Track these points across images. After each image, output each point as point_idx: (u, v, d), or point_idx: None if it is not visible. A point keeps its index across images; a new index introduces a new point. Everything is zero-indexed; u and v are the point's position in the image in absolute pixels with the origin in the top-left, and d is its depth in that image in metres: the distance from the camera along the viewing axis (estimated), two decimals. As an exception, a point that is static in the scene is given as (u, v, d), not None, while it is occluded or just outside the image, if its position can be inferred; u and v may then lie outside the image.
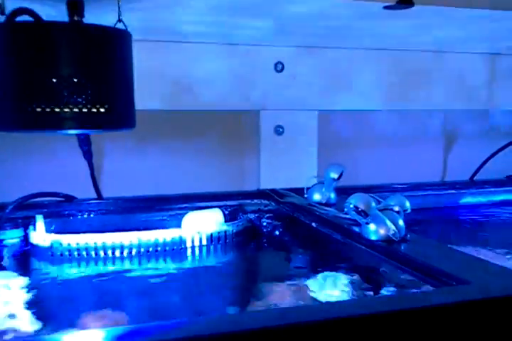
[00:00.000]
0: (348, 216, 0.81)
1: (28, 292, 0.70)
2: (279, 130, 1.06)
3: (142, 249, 0.84)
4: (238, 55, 1.04)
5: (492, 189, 1.14)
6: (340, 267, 0.72)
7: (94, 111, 0.55)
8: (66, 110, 0.54)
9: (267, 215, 0.96)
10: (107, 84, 0.55)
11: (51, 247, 0.83)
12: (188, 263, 0.85)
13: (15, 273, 0.78)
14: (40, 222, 0.89)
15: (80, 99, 0.55)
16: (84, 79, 0.54)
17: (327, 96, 1.10)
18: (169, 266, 0.84)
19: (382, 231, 0.67)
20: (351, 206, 0.67)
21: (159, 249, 0.85)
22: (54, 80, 0.54)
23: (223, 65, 1.05)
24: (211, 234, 0.88)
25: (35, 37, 0.53)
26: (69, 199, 1.00)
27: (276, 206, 1.00)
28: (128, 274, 0.80)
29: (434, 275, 0.55)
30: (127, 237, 0.83)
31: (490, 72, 1.21)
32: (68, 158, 1.08)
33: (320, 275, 0.69)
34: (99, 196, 1.02)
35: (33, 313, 0.63)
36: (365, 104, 1.13)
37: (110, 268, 0.82)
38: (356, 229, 0.73)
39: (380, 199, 0.77)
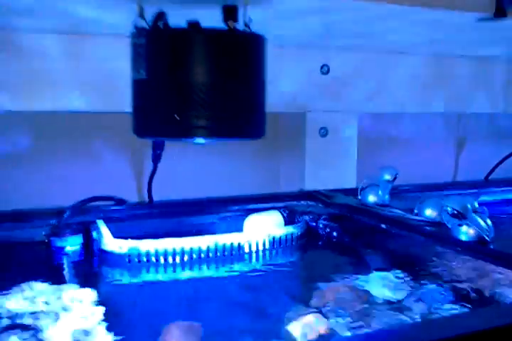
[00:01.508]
0: (418, 217, 0.85)
1: (102, 304, 0.67)
2: (323, 132, 1.09)
3: (218, 254, 0.85)
4: (286, 57, 1.06)
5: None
6: (429, 267, 0.76)
7: (231, 121, 0.56)
8: (207, 120, 0.55)
9: (323, 217, 0.99)
10: (248, 92, 0.56)
11: (128, 254, 0.82)
12: (259, 265, 0.87)
13: (84, 285, 0.75)
14: (105, 228, 0.87)
15: (220, 108, 0.56)
16: (229, 88, 0.55)
17: (368, 99, 1.15)
18: (243, 269, 0.86)
19: (472, 232, 0.72)
20: (449, 209, 0.72)
21: (226, 253, 0.86)
22: (202, 89, 0.54)
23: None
24: (279, 237, 0.90)
25: (190, 44, 0.53)
26: (121, 203, 0.99)
27: (327, 207, 1.03)
28: (205, 278, 0.81)
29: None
30: (202, 241, 0.84)
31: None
32: (111, 162, 1.06)
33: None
34: (151, 200, 1.01)
35: (112, 327, 0.61)
36: (400, 107, 1.18)
37: (187, 273, 0.83)
38: (431, 229, 0.78)
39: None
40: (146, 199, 1.08)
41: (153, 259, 0.82)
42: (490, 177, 1.31)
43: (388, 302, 0.69)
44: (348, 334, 0.59)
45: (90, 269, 0.85)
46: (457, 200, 0.73)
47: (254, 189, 1.17)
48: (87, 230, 0.92)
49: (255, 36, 0.54)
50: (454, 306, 0.67)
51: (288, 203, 1.08)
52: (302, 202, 1.08)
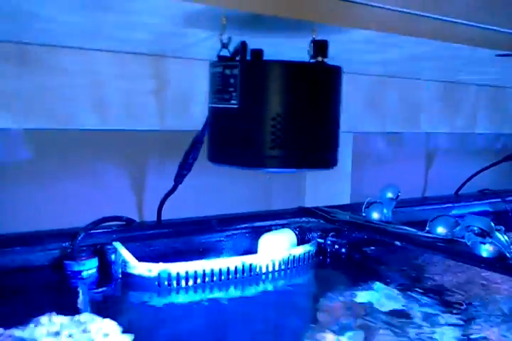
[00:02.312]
0: (430, 234, 0.92)
1: (130, 332, 0.65)
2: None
3: (245, 274, 0.86)
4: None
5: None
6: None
7: (307, 152, 0.58)
8: (283, 150, 0.57)
9: (331, 233, 1.03)
10: (327, 124, 0.59)
11: (158, 277, 0.80)
12: (281, 284, 0.89)
13: (108, 312, 0.72)
14: (124, 251, 0.85)
15: (298, 140, 0.58)
16: (310, 120, 0.57)
17: (361, 119, 1.21)
18: (269, 288, 0.87)
19: (492, 249, 0.80)
20: (475, 228, 0.79)
21: (252, 273, 0.87)
22: (284, 120, 0.56)
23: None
24: (299, 256, 0.93)
25: (283, 76, 0.54)
26: (130, 222, 0.97)
27: (331, 224, 1.07)
28: (234, 299, 0.81)
29: None
30: (230, 263, 0.84)
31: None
32: (111, 181, 1.03)
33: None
34: (159, 219, 0.99)
35: None
36: (390, 126, 1.26)
37: (215, 294, 0.83)
38: (446, 245, 0.84)
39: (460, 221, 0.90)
40: (146, 217, 1.06)
41: (183, 282, 0.81)
42: (459, 193, 1.43)
43: (396, 316, 0.75)
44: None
45: (112, 294, 0.82)
46: (480, 220, 0.79)
47: (247, 206, 1.19)
48: (100, 252, 0.88)
49: (338, 69, 0.57)
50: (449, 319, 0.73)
51: (290, 220, 1.10)
52: (304, 218, 1.11)
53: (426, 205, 1.32)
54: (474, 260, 0.78)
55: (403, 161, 1.43)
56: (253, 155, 0.53)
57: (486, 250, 0.79)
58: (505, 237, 0.79)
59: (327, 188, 1.17)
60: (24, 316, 0.67)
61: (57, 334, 0.65)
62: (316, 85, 0.54)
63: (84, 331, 0.67)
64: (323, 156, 0.56)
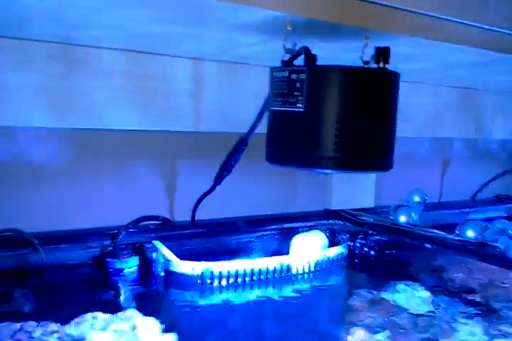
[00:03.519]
0: (460, 238, 0.95)
1: (174, 329, 0.67)
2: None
3: (282, 274, 0.88)
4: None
5: None
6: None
7: (362, 155, 0.61)
8: (341, 153, 0.60)
9: (360, 236, 1.05)
10: (384, 128, 0.61)
11: (201, 275, 0.82)
12: (317, 284, 0.92)
13: (152, 309, 0.74)
14: (166, 249, 0.87)
15: (356, 143, 0.60)
16: (370, 124, 0.60)
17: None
18: (304, 287, 0.90)
19: (525, 253, 0.82)
20: (510, 231, 0.81)
21: (289, 273, 0.89)
22: (346, 123, 0.59)
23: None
24: (333, 257, 0.95)
25: (348, 81, 0.57)
26: (166, 222, 0.99)
27: (358, 226, 1.10)
28: (272, 298, 0.83)
29: None
30: (269, 262, 0.87)
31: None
32: (145, 181, 1.06)
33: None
34: (193, 219, 1.02)
35: None
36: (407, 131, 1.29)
37: (255, 293, 0.85)
38: (477, 248, 0.87)
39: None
40: (176, 217, 1.08)
41: (224, 280, 0.83)
42: (475, 198, 1.46)
43: (423, 315, 0.77)
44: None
45: (154, 292, 0.84)
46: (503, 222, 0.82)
47: (272, 207, 1.21)
48: (140, 251, 0.90)
49: (398, 75, 0.60)
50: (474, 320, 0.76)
51: (317, 222, 1.13)
52: (330, 220, 1.13)
53: (444, 210, 1.35)
54: (507, 263, 0.81)
55: (419, 166, 1.46)
56: (315, 156, 0.56)
57: (519, 252, 0.81)
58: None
59: (352, 191, 1.20)
60: (70, 312, 0.68)
61: (103, 329, 0.67)
62: (379, 90, 0.57)
63: (130, 327, 0.68)
64: (381, 159, 0.59)
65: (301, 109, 0.57)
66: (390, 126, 0.59)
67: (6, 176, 0.87)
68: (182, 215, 1.06)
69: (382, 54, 0.57)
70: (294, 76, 0.56)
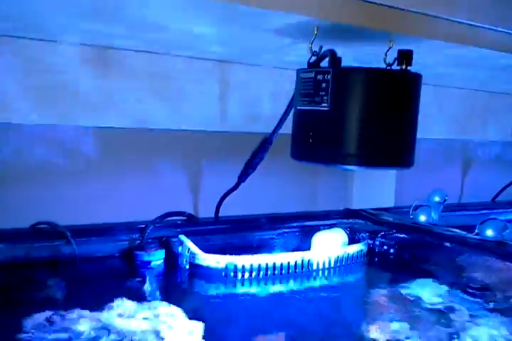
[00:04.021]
0: (479, 236, 0.96)
1: (200, 319, 0.69)
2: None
3: (303, 269, 0.90)
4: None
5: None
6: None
7: (384, 152, 0.63)
8: (363, 150, 0.62)
9: (380, 234, 1.07)
10: (406, 127, 0.64)
11: (225, 269, 0.85)
12: (336, 279, 0.94)
13: (177, 300, 0.76)
14: (191, 243, 0.91)
15: (378, 141, 0.63)
16: (391, 123, 0.62)
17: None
18: (324, 283, 0.92)
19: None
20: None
21: (310, 268, 0.92)
22: (370, 122, 0.61)
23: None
24: (353, 254, 0.98)
25: (371, 82, 0.60)
26: (191, 218, 1.02)
27: (378, 225, 1.12)
28: (293, 291, 0.86)
29: None
30: (291, 257, 0.89)
31: None
32: (170, 178, 1.09)
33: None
34: (217, 215, 1.05)
35: None
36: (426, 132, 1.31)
37: (277, 287, 0.88)
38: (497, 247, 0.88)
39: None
40: (200, 213, 1.12)
41: (247, 274, 0.86)
42: (496, 200, 1.46)
43: (441, 310, 0.78)
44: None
45: (180, 283, 0.87)
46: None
47: (293, 205, 1.23)
48: (166, 245, 0.94)
49: (420, 76, 0.62)
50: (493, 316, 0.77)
51: (338, 221, 1.15)
52: (351, 220, 1.16)
53: (465, 211, 1.36)
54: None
55: (440, 167, 1.47)
56: (339, 153, 0.58)
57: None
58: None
59: (372, 191, 1.22)
60: (99, 300, 0.72)
61: (130, 317, 0.70)
62: (401, 91, 0.59)
63: (156, 316, 0.71)
64: (402, 157, 0.61)
65: (326, 108, 0.59)
66: (411, 125, 0.62)
67: (44, 173, 0.91)
68: (206, 212, 1.10)
69: (405, 56, 0.59)
70: (319, 77, 0.59)
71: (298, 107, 0.64)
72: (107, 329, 0.64)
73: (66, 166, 0.94)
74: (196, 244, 0.91)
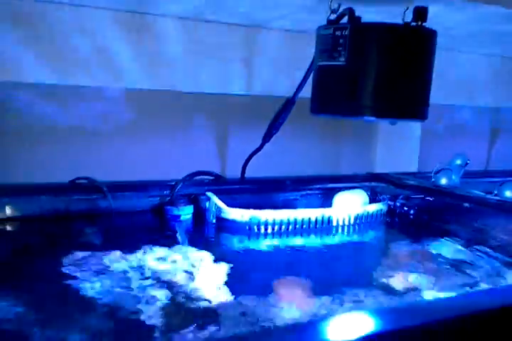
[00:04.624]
0: (498, 197, 0.98)
1: (225, 262, 0.75)
2: (393, 121, 1.20)
3: (324, 225, 0.95)
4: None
5: None
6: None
7: (399, 104, 0.66)
8: (379, 102, 0.65)
9: (401, 196, 1.11)
10: (420, 80, 0.66)
11: (249, 222, 0.91)
12: (356, 236, 0.98)
13: (204, 248, 0.82)
14: (218, 199, 0.96)
15: (393, 93, 0.66)
16: (406, 76, 0.65)
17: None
18: (344, 238, 0.97)
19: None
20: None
21: (330, 224, 0.96)
22: (386, 75, 0.64)
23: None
24: (372, 212, 1.01)
25: (387, 38, 0.63)
26: (218, 178, 1.07)
27: (400, 188, 1.14)
28: (313, 244, 0.90)
29: None
30: (312, 213, 0.94)
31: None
32: (199, 140, 1.14)
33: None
34: (243, 175, 1.10)
35: (235, 282, 0.69)
36: (455, 99, 1.32)
37: (298, 240, 0.92)
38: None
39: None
40: (228, 174, 1.17)
41: (269, 227, 0.91)
42: None
43: (462, 264, 0.81)
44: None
45: (207, 235, 0.93)
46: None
47: (318, 169, 1.27)
48: (194, 201, 1.00)
49: (435, 32, 0.65)
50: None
51: (361, 184, 1.18)
52: (374, 183, 1.19)
53: (489, 177, 1.37)
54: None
55: (467, 134, 1.47)
56: (356, 105, 0.62)
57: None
58: None
59: (396, 156, 1.25)
60: (133, 246, 0.78)
61: (162, 259, 0.77)
62: (416, 46, 0.62)
63: (185, 258, 0.78)
64: (416, 109, 0.64)
65: (343, 63, 0.63)
66: (424, 78, 0.65)
67: (82, 133, 0.98)
68: (233, 173, 1.15)
69: (420, 13, 0.62)
70: (338, 32, 0.63)
71: (318, 63, 0.68)
72: (140, 267, 0.71)
73: (102, 127, 1.00)
74: (224, 203, 0.96)
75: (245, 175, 1.10)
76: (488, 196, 0.97)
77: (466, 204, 0.98)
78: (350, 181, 1.18)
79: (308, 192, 1.13)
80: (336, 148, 1.27)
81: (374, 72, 0.61)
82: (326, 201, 1.09)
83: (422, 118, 0.65)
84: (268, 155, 1.16)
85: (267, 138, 0.95)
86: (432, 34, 0.65)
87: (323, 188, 1.15)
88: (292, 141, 1.20)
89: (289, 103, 0.90)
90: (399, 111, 0.63)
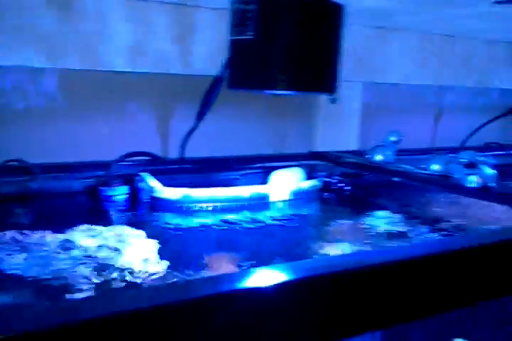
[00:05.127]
0: (425, 171, 1.02)
1: (157, 239, 0.77)
2: (333, 99, 1.22)
3: (256, 202, 0.96)
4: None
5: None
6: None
7: (308, 77, 0.68)
8: (289, 75, 0.66)
9: (337, 173, 1.13)
10: (328, 54, 0.68)
11: (182, 200, 0.92)
12: (289, 211, 1.00)
13: (137, 226, 0.83)
14: (152, 179, 0.97)
15: (301, 67, 0.67)
16: (313, 50, 0.66)
17: (371, 70, 1.30)
18: (276, 214, 0.98)
19: (479, 180, 0.89)
20: (462, 160, 0.88)
21: (263, 201, 0.98)
22: (293, 49, 0.65)
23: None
24: (306, 189, 1.03)
25: (289, 11, 0.63)
26: (156, 158, 1.08)
27: (338, 166, 1.17)
28: (243, 224, 0.91)
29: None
30: (244, 191, 0.95)
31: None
32: (139, 120, 1.14)
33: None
34: (182, 156, 1.10)
35: (164, 257, 0.70)
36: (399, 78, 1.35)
37: (229, 217, 0.94)
38: (440, 179, 0.93)
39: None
40: (170, 155, 1.17)
41: (202, 205, 0.92)
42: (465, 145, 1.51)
43: (389, 234, 0.84)
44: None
45: (140, 214, 0.94)
46: (468, 153, 0.88)
47: (265, 148, 1.29)
48: (129, 182, 1.00)
49: (340, 6, 0.66)
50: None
51: (302, 162, 1.20)
52: (314, 161, 1.21)
53: (428, 154, 1.40)
54: (460, 189, 0.88)
55: (413, 113, 1.51)
56: (266, 79, 0.63)
57: (472, 181, 0.88)
58: (490, 170, 0.88)
59: (337, 135, 1.27)
60: (65, 225, 0.79)
61: (92, 236, 0.77)
62: (323, 19, 0.63)
63: (116, 236, 0.78)
64: (324, 82, 0.66)
65: (252, 37, 0.63)
66: (332, 52, 0.66)
67: (12, 114, 0.97)
68: (175, 155, 1.15)
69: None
70: (245, 7, 0.63)
71: (230, 38, 0.68)
72: (70, 244, 0.71)
73: (34, 107, 0.99)
74: (162, 183, 0.96)
75: (189, 156, 1.10)
76: (417, 170, 1.00)
77: (396, 179, 1.00)
78: (292, 160, 1.20)
79: (249, 171, 1.15)
80: (279, 127, 1.28)
81: (282, 46, 0.62)
82: (266, 180, 1.10)
83: (331, 91, 0.67)
84: (212, 135, 1.16)
85: (200, 116, 0.95)
86: (338, 8, 0.66)
87: (263, 167, 1.16)
88: (236, 121, 1.21)
89: (217, 80, 0.90)
90: (307, 84, 0.64)
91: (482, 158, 0.90)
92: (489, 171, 0.87)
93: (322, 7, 0.64)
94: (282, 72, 0.64)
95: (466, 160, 0.87)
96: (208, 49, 1.09)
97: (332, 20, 0.66)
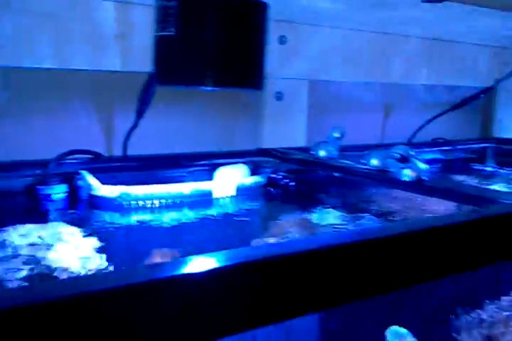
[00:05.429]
0: (365, 166, 1.04)
1: (94, 237, 0.77)
2: (279, 96, 1.24)
3: (198, 198, 0.97)
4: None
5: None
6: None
7: (235, 73, 0.69)
8: (215, 71, 0.67)
9: (282, 169, 1.14)
10: (253, 50, 0.69)
11: (119, 198, 0.91)
12: (232, 208, 1.01)
13: (75, 224, 0.83)
14: (91, 177, 0.96)
15: (227, 63, 0.68)
16: (238, 47, 0.67)
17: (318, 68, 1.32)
18: (219, 211, 0.99)
19: (413, 174, 0.92)
20: (395, 154, 0.90)
21: (205, 198, 0.98)
22: (217, 45, 0.66)
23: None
24: (249, 185, 1.04)
25: (209, 9, 0.64)
26: (98, 156, 1.07)
27: (284, 162, 1.18)
28: (182, 220, 0.92)
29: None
30: (185, 188, 0.95)
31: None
32: (80, 119, 1.13)
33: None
34: (125, 154, 1.10)
35: (101, 253, 0.71)
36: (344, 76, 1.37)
37: (170, 214, 0.94)
38: (376, 174, 0.96)
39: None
40: (115, 153, 1.16)
41: (141, 203, 0.92)
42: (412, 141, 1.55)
43: (329, 227, 0.87)
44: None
45: (79, 212, 0.93)
46: (401, 148, 0.91)
47: (212, 146, 1.29)
48: (69, 180, 0.99)
49: (263, 4, 0.67)
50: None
51: (248, 159, 1.21)
52: (261, 158, 1.22)
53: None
54: (396, 183, 0.90)
55: (363, 110, 1.53)
56: (192, 75, 0.63)
57: (406, 175, 0.91)
58: (425, 165, 0.91)
59: (284, 132, 1.28)
60: (3, 224, 0.77)
61: (28, 235, 0.76)
62: (245, 17, 0.64)
63: (53, 234, 0.78)
64: (251, 79, 0.66)
65: (173, 33, 0.63)
66: (256, 49, 0.67)
67: None
68: (120, 153, 1.14)
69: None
70: (166, 3, 0.63)
71: (154, 34, 0.68)
72: (3, 243, 0.70)
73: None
74: (104, 181, 0.96)
75: (135, 154, 1.10)
76: (357, 165, 1.02)
77: (336, 174, 1.02)
78: (239, 157, 1.20)
79: (195, 168, 1.15)
80: (226, 125, 1.29)
81: (204, 42, 0.62)
82: (212, 177, 1.11)
83: (258, 88, 0.68)
84: (157, 133, 1.16)
85: (138, 114, 0.94)
86: (260, 5, 0.66)
87: (209, 164, 1.16)
88: (180, 119, 1.20)
89: (151, 78, 0.89)
90: (234, 80, 0.65)
91: (414, 153, 0.92)
92: (422, 165, 0.89)
93: (244, 4, 0.65)
94: (207, 68, 0.64)
95: (399, 155, 0.89)
96: (147, 45, 1.09)
97: (255, 17, 0.66)
